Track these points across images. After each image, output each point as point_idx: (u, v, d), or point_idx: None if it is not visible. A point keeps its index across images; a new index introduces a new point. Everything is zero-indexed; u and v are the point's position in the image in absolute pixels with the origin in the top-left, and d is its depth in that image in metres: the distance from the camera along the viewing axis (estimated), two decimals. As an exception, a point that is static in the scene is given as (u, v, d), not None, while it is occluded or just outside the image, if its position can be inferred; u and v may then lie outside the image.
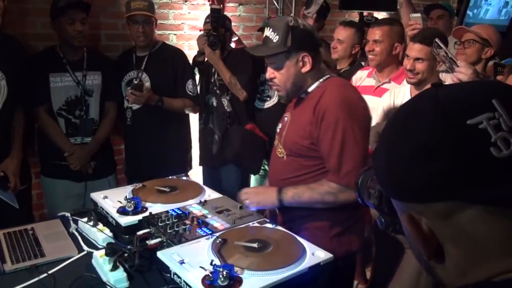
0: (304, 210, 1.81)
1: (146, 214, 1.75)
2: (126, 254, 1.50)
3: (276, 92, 2.80)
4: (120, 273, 1.43)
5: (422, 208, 0.57)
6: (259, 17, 3.87)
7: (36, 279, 1.45)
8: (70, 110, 2.66)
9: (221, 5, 3.50)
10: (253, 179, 3.32)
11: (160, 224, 1.67)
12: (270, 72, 1.83)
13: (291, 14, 3.85)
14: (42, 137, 2.70)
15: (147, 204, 1.84)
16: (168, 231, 1.62)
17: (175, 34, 3.49)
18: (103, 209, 1.86)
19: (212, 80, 3.03)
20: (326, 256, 1.49)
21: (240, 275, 1.34)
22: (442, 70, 2.28)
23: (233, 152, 2.93)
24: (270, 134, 2.68)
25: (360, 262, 2.93)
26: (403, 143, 0.58)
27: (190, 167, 3.22)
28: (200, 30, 3.09)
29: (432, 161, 0.53)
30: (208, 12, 2.97)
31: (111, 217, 1.78)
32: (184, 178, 2.23)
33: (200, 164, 3.25)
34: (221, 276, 1.28)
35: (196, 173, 3.30)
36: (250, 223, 1.73)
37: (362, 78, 2.80)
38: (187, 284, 1.34)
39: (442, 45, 1.94)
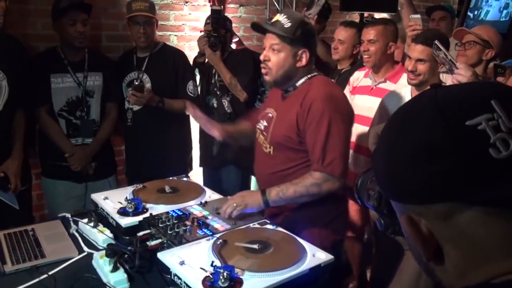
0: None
1: (147, 215, 1.75)
2: (126, 255, 1.50)
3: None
4: (121, 274, 1.44)
5: (421, 210, 0.57)
6: (260, 18, 3.87)
7: (37, 280, 1.45)
8: (71, 111, 2.67)
9: (222, 6, 3.51)
10: (253, 180, 3.31)
11: (160, 225, 1.67)
12: (266, 53, 1.86)
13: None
14: (43, 138, 2.70)
15: (148, 205, 1.84)
16: (169, 232, 1.63)
17: (175, 35, 3.49)
18: (103, 210, 1.86)
19: (212, 81, 3.03)
20: (327, 257, 1.49)
21: (241, 276, 1.34)
22: (443, 71, 2.28)
23: (233, 153, 2.93)
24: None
25: (359, 264, 2.93)
26: (402, 144, 0.58)
27: (191, 168, 3.22)
28: (200, 31, 3.09)
29: (431, 162, 0.53)
30: (209, 13, 2.97)
31: (112, 218, 1.79)
32: (185, 179, 2.24)
33: (200, 165, 3.25)
34: (221, 277, 1.28)
35: (196, 174, 3.30)
36: (251, 224, 1.73)
37: (359, 78, 2.82)
38: (187, 285, 1.34)
39: (441, 47, 1.94)
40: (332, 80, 2.89)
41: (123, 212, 1.78)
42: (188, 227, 1.67)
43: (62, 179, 2.69)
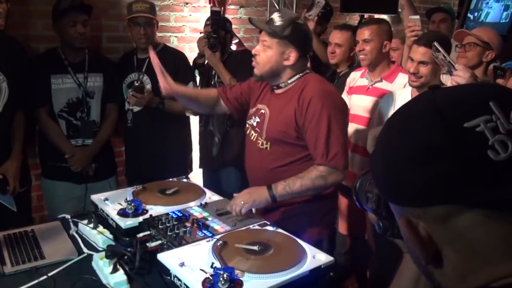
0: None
1: (147, 216, 1.75)
2: (126, 257, 1.50)
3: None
4: (120, 276, 1.43)
5: (420, 212, 0.57)
6: (260, 19, 3.86)
7: (36, 281, 1.45)
8: (71, 112, 2.67)
9: (222, 8, 3.51)
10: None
11: (160, 227, 1.67)
12: (257, 48, 1.93)
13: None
14: (43, 138, 2.70)
15: (148, 207, 1.84)
16: (169, 233, 1.62)
17: (176, 36, 3.49)
18: (103, 211, 1.86)
19: (212, 82, 3.02)
20: (327, 259, 1.49)
21: (241, 278, 1.34)
22: (444, 73, 2.28)
23: (233, 154, 2.93)
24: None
25: (360, 264, 2.92)
26: (400, 146, 0.57)
27: (191, 170, 3.22)
28: (200, 33, 3.09)
29: (430, 164, 0.53)
30: (209, 14, 2.97)
31: (112, 219, 1.78)
32: (185, 180, 2.23)
33: (200, 167, 3.25)
34: (221, 279, 1.28)
35: (196, 176, 3.30)
36: (251, 226, 1.73)
37: (355, 79, 2.82)
38: (187, 286, 1.34)
39: (440, 48, 1.94)
40: (331, 83, 2.90)
41: (123, 213, 1.78)
42: (188, 228, 1.67)
43: (62, 180, 2.69)
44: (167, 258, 1.47)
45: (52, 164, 2.70)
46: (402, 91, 2.45)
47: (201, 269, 1.37)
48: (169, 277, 1.42)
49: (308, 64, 2.02)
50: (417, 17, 2.55)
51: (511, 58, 2.90)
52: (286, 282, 1.36)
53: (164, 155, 2.88)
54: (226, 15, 3.45)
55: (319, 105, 1.83)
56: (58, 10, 2.55)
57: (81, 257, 1.62)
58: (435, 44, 1.97)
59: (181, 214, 1.78)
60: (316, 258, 1.49)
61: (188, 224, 1.71)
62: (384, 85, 2.61)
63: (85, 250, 1.66)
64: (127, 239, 1.67)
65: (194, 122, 3.21)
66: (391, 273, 0.90)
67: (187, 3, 3.50)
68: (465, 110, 0.54)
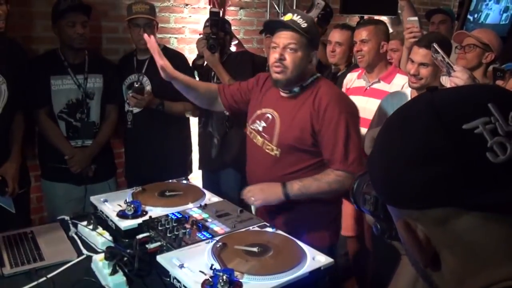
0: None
1: (146, 218, 1.75)
2: (125, 258, 1.50)
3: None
4: (120, 277, 1.43)
5: (418, 215, 0.56)
6: (260, 21, 3.87)
7: (35, 283, 1.44)
8: (71, 113, 2.67)
9: (222, 9, 3.51)
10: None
11: (160, 228, 1.67)
12: (282, 52, 1.83)
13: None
14: (42, 140, 2.70)
15: (147, 208, 1.84)
16: (168, 235, 1.62)
17: (176, 38, 3.49)
18: (102, 212, 1.86)
19: (211, 83, 3.03)
20: (327, 260, 1.49)
21: (240, 280, 1.34)
22: (443, 74, 2.28)
23: (232, 155, 2.93)
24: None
25: (361, 265, 2.92)
26: (398, 147, 0.57)
27: (191, 171, 3.21)
28: (200, 34, 3.09)
29: (428, 166, 0.53)
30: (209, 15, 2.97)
31: (111, 220, 1.78)
32: (184, 181, 2.23)
33: (199, 168, 3.24)
34: (221, 280, 1.28)
35: (196, 177, 3.30)
36: (250, 227, 1.73)
37: (352, 80, 2.82)
38: (186, 288, 1.34)
39: (439, 49, 1.94)
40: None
41: (122, 214, 1.78)
42: (188, 230, 1.67)
43: (62, 181, 2.69)
44: (166, 259, 1.46)
45: (51, 166, 2.70)
46: (402, 92, 2.45)
47: (200, 271, 1.37)
48: (168, 279, 1.42)
49: None
50: (416, 18, 2.55)
51: (511, 59, 2.90)
52: (285, 284, 1.36)
53: (164, 157, 2.88)
54: (226, 17, 3.45)
55: (337, 110, 1.82)
56: (57, 11, 2.55)
57: (80, 258, 1.61)
58: (434, 45, 1.97)
59: (180, 216, 1.78)
60: (315, 259, 1.49)
61: (187, 226, 1.71)
62: (382, 86, 2.61)
63: (84, 251, 1.65)
64: (127, 240, 1.68)
65: (194, 123, 3.21)
66: (389, 275, 0.90)
67: (187, 5, 3.50)
68: (463, 112, 0.54)
